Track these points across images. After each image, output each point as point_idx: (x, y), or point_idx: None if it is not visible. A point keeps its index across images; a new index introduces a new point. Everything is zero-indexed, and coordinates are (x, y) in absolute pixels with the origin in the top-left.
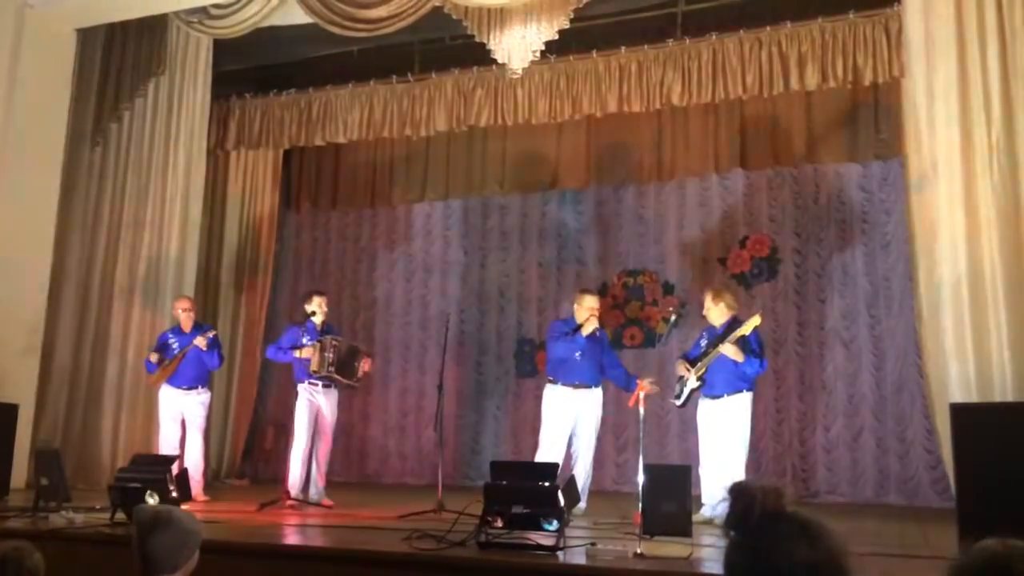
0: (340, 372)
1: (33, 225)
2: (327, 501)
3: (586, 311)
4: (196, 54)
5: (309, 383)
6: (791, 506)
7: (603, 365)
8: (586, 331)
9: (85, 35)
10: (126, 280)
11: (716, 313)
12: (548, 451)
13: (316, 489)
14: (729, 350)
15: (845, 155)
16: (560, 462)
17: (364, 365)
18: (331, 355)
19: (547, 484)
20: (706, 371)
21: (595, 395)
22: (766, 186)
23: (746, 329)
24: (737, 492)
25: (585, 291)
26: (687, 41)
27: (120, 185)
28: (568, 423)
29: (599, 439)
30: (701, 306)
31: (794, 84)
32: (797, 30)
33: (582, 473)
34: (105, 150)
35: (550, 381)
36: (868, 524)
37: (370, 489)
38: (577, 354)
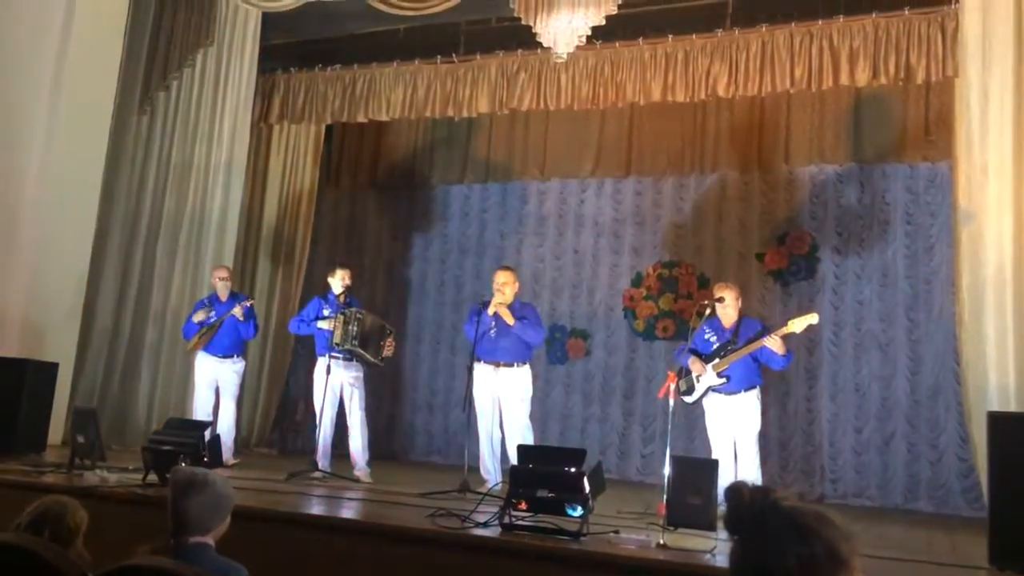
0: (364, 347)
1: (79, 189)
2: (360, 474)
3: (495, 288)
4: (244, 26)
5: (331, 356)
6: (784, 502)
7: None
8: (490, 309)
9: (137, 1)
10: (167, 247)
11: (733, 312)
12: (481, 429)
13: (358, 466)
14: (776, 343)
15: (892, 155)
16: (492, 437)
17: (389, 346)
18: (355, 328)
19: (573, 469)
20: (727, 368)
21: (518, 373)
22: (809, 183)
23: (798, 326)
24: (729, 493)
25: (501, 267)
26: (736, 32)
27: (166, 153)
28: (491, 401)
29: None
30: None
31: (844, 80)
32: (849, 24)
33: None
34: (152, 118)
35: (476, 360)
36: (895, 529)
37: (395, 466)
38: (491, 332)
